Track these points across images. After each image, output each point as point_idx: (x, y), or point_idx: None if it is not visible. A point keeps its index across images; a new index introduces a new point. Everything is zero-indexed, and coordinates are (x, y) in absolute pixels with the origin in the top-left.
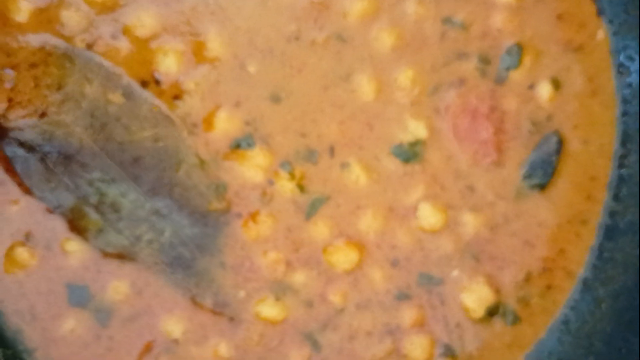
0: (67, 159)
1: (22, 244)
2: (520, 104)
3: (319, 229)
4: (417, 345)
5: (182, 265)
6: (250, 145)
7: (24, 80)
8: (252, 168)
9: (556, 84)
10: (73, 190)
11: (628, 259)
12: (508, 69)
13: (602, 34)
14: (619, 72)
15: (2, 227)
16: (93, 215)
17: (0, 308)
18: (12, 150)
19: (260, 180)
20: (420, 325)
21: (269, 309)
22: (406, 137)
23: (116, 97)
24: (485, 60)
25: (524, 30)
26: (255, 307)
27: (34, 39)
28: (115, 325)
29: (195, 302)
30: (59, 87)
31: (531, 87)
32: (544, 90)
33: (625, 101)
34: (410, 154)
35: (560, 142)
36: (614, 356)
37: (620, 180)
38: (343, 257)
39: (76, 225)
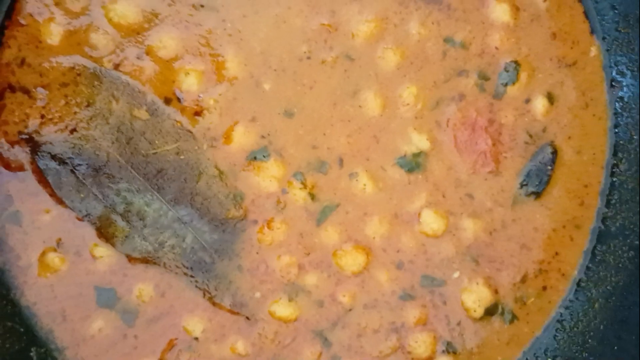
0: (96, 171)
1: (54, 250)
2: (517, 117)
3: (329, 234)
4: (420, 343)
5: (202, 268)
6: (265, 157)
7: (55, 98)
8: (267, 178)
9: (551, 98)
10: (101, 200)
11: (619, 261)
12: (506, 84)
13: (594, 50)
14: (611, 86)
15: (35, 234)
16: (120, 223)
17: (33, 310)
18: (44, 163)
19: (274, 190)
20: (424, 323)
21: (283, 309)
22: (410, 149)
23: (141, 114)
24: (484, 77)
25: (521, 48)
26: (270, 307)
27: (65, 60)
28: (140, 325)
29: (214, 303)
30: (88, 105)
31: (527, 101)
32: (539, 104)
33: (616, 113)
34: (413, 164)
35: (555, 152)
36: (607, 353)
37: (612, 187)
38: (351, 261)
39: (104, 232)
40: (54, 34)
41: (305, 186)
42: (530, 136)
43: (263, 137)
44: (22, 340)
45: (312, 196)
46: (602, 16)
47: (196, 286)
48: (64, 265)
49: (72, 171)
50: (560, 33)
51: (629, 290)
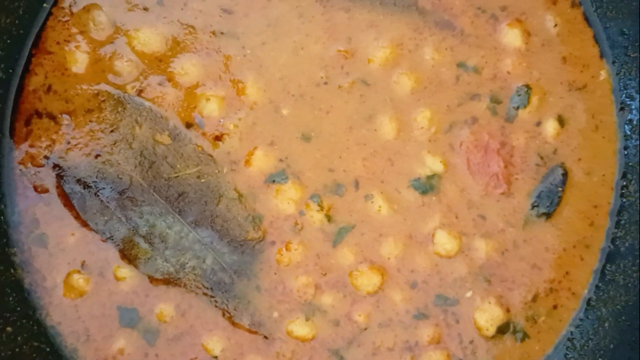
0: (119, 194)
1: (78, 271)
2: (528, 139)
3: (345, 255)
4: None
5: (222, 289)
6: (283, 180)
7: (80, 124)
8: (285, 201)
9: (561, 121)
10: (124, 223)
11: (629, 281)
12: (517, 108)
13: (604, 74)
14: (621, 109)
15: (60, 256)
16: (143, 244)
17: (58, 329)
18: (70, 187)
19: (292, 212)
20: (437, 342)
21: (300, 328)
22: (424, 171)
23: (163, 138)
24: (496, 100)
25: (532, 72)
26: (288, 327)
27: (90, 87)
28: (161, 344)
29: (233, 323)
30: (112, 130)
31: (538, 124)
32: (550, 126)
33: (626, 136)
34: (427, 186)
35: (566, 174)
36: None
37: (622, 208)
38: (367, 281)
39: (127, 254)
40: (80, 61)
41: (322, 208)
42: (541, 158)
43: (281, 160)
44: (47, 359)
45: (329, 218)
46: (611, 41)
47: (216, 306)
48: (88, 286)
49: (96, 195)
50: (571, 57)
51: (639, 310)
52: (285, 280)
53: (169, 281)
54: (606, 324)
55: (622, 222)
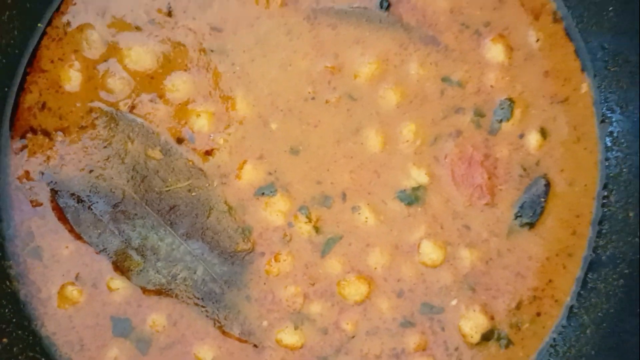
0: (112, 207)
1: (72, 283)
2: (511, 151)
3: (333, 265)
4: None
5: (212, 299)
6: (272, 192)
7: (74, 140)
8: (274, 213)
9: (544, 133)
10: (117, 235)
11: (610, 289)
12: (500, 121)
13: (585, 87)
14: (602, 122)
15: (55, 268)
16: (135, 257)
17: (53, 340)
18: (64, 201)
19: (281, 223)
20: (423, 349)
21: (289, 337)
22: (409, 183)
23: (155, 153)
24: (480, 114)
25: (515, 86)
26: (277, 335)
27: (83, 104)
28: (153, 353)
29: (223, 332)
30: (105, 146)
31: (521, 136)
32: (533, 139)
33: (607, 148)
34: (413, 197)
35: (548, 185)
36: None
37: (603, 217)
38: (354, 290)
39: (120, 266)
40: (73, 79)
41: (310, 220)
42: (524, 169)
43: (270, 173)
44: None
45: (317, 229)
46: (592, 55)
47: (207, 316)
48: (81, 297)
49: (89, 208)
50: (553, 71)
51: (620, 318)
52: (275, 290)
53: (161, 292)
54: (588, 331)
55: (604, 231)
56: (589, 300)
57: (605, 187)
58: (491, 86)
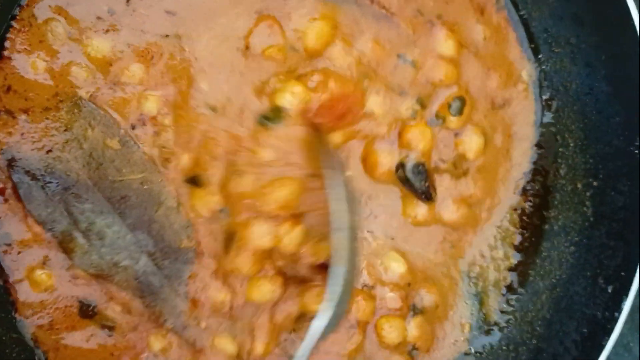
0: (65, 189)
1: (42, 267)
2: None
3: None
4: None
5: (150, 291)
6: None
7: (36, 120)
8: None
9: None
10: (66, 217)
11: (562, 257)
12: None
13: (525, 75)
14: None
15: (25, 254)
16: (80, 240)
17: (26, 322)
18: (18, 177)
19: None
20: None
21: (225, 343)
22: None
23: (113, 143)
24: (421, 103)
25: (460, 84)
26: (215, 339)
27: (49, 88)
28: (117, 336)
29: (161, 324)
30: (66, 129)
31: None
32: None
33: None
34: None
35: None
36: (552, 337)
37: (554, 189)
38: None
39: (64, 246)
40: (39, 68)
41: None
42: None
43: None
44: (25, 348)
45: None
46: (537, 38)
47: (145, 306)
48: (50, 281)
49: (42, 187)
50: (495, 67)
51: (571, 282)
52: (209, 291)
53: (100, 276)
54: (543, 296)
55: (555, 202)
56: (543, 267)
57: (555, 161)
58: (440, 80)
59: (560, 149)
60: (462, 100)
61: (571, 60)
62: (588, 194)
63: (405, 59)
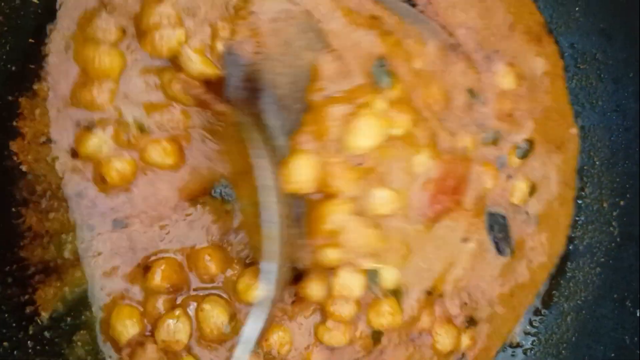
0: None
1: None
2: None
3: None
4: None
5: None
6: None
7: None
8: None
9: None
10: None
11: (588, 277)
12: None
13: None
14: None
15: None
16: None
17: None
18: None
19: None
20: None
21: None
22: None
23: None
24: (495, 138)
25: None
26: None
27: None
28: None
29: None
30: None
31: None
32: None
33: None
34: None
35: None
36: None
37: (579, 209)
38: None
39: None
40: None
41: None
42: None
43: None
44: None
45: None
46: (561, 53)
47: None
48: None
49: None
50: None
51: (597, 304)
52: None
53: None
54: (568, 318)
55: (580, 222)
56: (568, 288)
57: (580, 179)
58: (508, 115)
59: (585, 167)
60: (531, 143)
61: (597, 77)
62: (615, 213)
63: (476, 96)
